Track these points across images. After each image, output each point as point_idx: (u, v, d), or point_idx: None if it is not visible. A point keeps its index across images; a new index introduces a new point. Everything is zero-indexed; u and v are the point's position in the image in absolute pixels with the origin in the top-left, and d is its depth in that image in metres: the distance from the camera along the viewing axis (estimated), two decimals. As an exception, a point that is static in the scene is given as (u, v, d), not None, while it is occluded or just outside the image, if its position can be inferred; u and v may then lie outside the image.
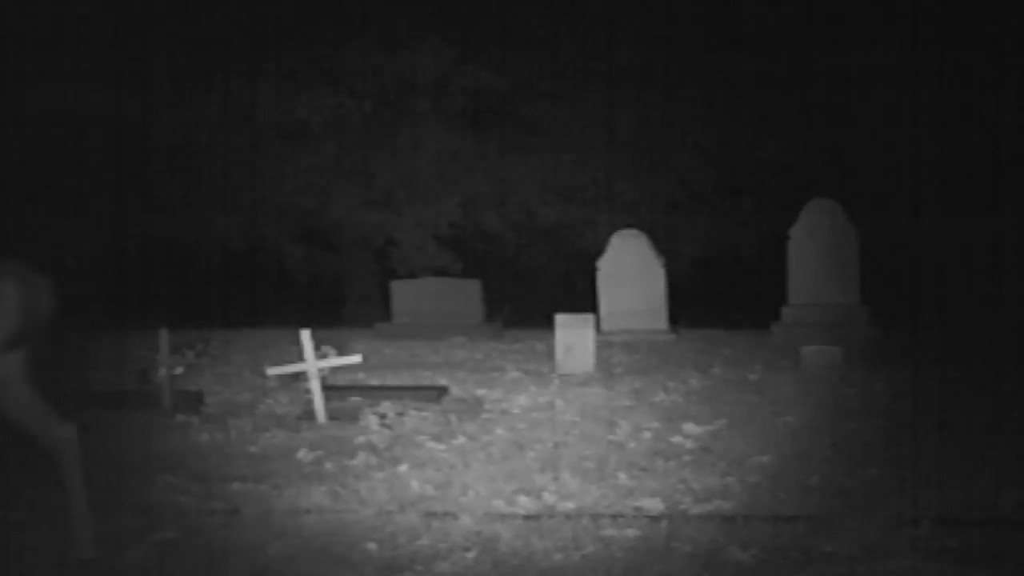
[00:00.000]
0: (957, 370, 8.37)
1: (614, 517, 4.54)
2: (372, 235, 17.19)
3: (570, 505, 4.83)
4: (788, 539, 4.17)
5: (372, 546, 4.26)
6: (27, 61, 14.43)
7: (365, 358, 8.00)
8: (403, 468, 5.60)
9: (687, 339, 11.28)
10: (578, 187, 17.01)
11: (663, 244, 12.50)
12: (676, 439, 6.21)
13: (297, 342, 7.40)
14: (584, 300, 11.41)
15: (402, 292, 12.69)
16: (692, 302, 13.52)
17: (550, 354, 9.25)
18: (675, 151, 16.76)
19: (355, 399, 7.52)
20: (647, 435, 6.34)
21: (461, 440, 6.30)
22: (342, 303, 17.43)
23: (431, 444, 6.22)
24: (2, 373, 3.84)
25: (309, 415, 7.11)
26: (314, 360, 7.22)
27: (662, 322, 11.71)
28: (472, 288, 12.59)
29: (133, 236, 16.26)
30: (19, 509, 4.76)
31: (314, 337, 7.39)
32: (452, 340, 11.25)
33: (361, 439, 6.37)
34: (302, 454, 6.02)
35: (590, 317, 9.36)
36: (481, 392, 7.95)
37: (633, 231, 12.31)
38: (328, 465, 5.75)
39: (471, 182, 16.80)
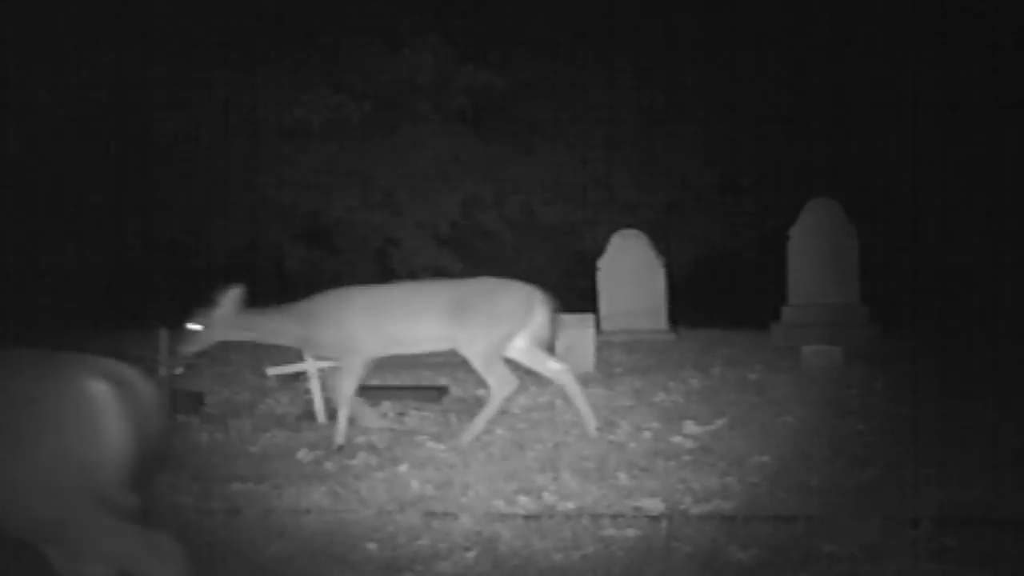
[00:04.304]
0: (957, 370, 8.36)
1: (614, 517, 4.54)
2: (372, 235, 17.16)
3: (570, 505, 4.82)
4: (788, 539, 4.16)
5: (372, 546, 4.26)
6: (27, 60, 14.43)
7: (365, 358, 7.98)
8: (403, 468, 5.60)
9: (687, 339, 11.27)
10: (578, 187, 17.00)
11: (663, 244, 12.49)
12: (676, 439, 6.20)
13: (297, 342, 7.38)
14: (584, 300, 11.39)
15: (402, 292, 12.64)
16: (692, 302, 13.50)
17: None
18: (675, 151, 16.75)
19: (355, 399, 7.50)
20: (647, 435, 6.34)
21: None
22: (342, 303, 17.36)
23: (431, 444, 6.22)
24: None
25: (309, 415, 7.11)
26: (314, 360, 7.21)
27: (662, 322, 11.71)
28: (472, 288, 12.55)
29: (133, 236, 16.23)
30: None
31: (314, 337, 7.36)
32: (452, 340, 11.21)
33: (361, 439, 6.37)
34: (302, 454, 6.02)
35: (590, 317, 9.36)
36: (481, 392, 7.91)
37: (633, 231, 12.30)
38: (328, 465, 5.75)
39: (471, 182, 16.78)
